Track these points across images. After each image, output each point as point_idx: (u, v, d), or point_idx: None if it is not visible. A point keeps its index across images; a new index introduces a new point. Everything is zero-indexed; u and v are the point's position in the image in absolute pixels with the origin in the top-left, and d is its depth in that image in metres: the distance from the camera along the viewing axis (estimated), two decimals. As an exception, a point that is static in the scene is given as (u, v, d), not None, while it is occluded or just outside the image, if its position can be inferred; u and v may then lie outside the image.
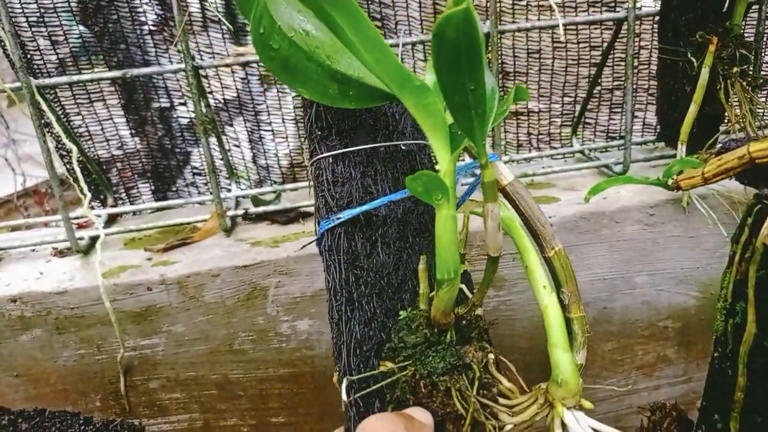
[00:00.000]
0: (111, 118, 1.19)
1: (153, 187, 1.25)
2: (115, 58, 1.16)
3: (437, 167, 0.44)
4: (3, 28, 0.85)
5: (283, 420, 0.95)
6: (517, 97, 0.47)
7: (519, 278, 0.94)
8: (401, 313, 0.47)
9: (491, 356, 0.45)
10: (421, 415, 0.43)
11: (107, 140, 1.20)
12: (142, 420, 0.92)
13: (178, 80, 1.21)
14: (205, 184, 1.30)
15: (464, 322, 0.47)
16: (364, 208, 0.50)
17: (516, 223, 0.49)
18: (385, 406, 0.46)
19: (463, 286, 0.50)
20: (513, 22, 1.10)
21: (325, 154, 0.53)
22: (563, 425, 0.43)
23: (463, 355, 0.44)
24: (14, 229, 1.22)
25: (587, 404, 0.44)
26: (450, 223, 0.42)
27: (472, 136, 0.39)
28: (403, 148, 0.54)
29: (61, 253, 0.95)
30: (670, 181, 0.82)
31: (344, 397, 0.45)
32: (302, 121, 0.55)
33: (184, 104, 1.23)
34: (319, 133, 0.54)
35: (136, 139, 1.22)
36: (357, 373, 0.47)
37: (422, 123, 0.42)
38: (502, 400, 0.44)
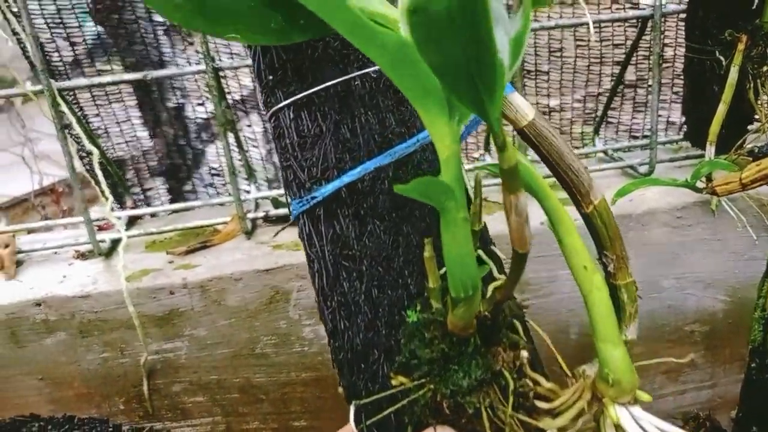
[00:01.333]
0: (129, 119, 1.19)
1: (169, 187, 1.25)
2: (131, 57, 1.16)
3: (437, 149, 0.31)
4: (24, 31, 0.84)
5: (305, 424, 0.94)
6: (536, 3, 0.34)
7: (545, 282, 0.92)
8: (409, 313, 0.38)
9: (524, 354, 0.37)
10: None
11: (126, 141, 1.20)
12: (165, 423, 0.92)
13: (196, 80, 1.20)
14: (224, 185, 1.30)
15: (489, 322, 0.37)
16: (345, 180, 0.38)
17: (542, 183, 0.37)
18: (403, 429, 0.38)
19: (484, 256, 0.39)
20: (535, 19, 1.09)
21: (282, 104, 0.40)
22: (617, 427, 0.35)
23: (491, 363, 0.36)
24: (31, 231, 1.22)
25: (645, 397, 0.36)
26: (461, 230, 0.31)
27: (480, 109, 0.26)
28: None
29: (83, 256, 0.95)
30: (700, 184, 0.80)
31: (353, 425, 0.37)
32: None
33: (202, 104, 1.23)
34: (272, 76, 0.40)
35: (155, 139, 1.22)
36: (365, 393, 0.39)
37: (406, 90, 0.30)
38: (541, 404, 0.36)
